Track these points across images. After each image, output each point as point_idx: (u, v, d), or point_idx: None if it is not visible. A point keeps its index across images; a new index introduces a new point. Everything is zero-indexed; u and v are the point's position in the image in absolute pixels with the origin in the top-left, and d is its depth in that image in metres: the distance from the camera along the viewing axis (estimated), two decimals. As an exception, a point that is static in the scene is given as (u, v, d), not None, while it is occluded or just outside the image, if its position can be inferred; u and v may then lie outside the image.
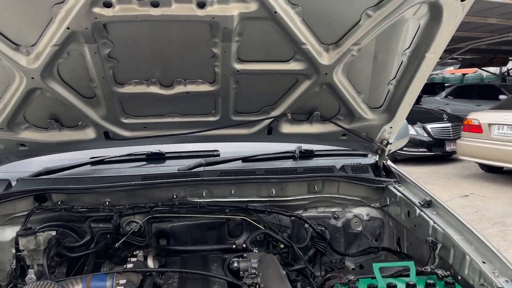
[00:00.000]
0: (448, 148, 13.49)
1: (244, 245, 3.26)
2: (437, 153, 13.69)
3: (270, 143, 3.47)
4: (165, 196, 3.17)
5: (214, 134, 3.16)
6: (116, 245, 3.10)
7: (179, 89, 2.83)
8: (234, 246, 3.28)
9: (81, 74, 2.65)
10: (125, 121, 3.03)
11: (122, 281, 2.57)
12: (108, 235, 3.11)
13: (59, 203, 3.05)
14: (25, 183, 3.11)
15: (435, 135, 13.44)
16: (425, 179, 11.53)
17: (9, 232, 3.09)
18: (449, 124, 13.82)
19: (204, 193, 3.20)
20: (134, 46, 2.55)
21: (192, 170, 3.24)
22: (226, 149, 3.54)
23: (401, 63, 2.80)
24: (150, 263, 2.90)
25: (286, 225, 3.40)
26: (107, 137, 3.10)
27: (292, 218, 3.31)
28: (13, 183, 3.15)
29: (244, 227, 3.38)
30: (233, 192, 3.22)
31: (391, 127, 3.23)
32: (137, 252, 2.98)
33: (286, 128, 3.24)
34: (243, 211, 3.25)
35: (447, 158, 14.12)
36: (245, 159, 3.49)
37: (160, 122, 3.07)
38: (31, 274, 2.68)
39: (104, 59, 2.55)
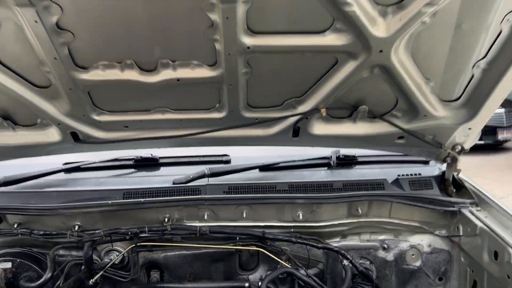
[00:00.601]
0: (501, 136, 12.08)
1: (260, 285, 2.43)
2: (488, 142, 12.33)
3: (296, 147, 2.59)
4: (154, 219, 2.37)
5: (220, 137, 2.31)
6: (91, 282, 2.34)
7: (166, 74, 2.00)
8: (247, 285, 2.46)
9: (25, 54, 1.86)
10: (98, 118, 2.22)
11: None
12: (83, 267, 2.34)
13: (15, 225, 2.31)
14: (-25, 197, 2.38)
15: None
16: (475, 171, 10.25)
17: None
18: (502, 110, 12.37)
19: (206, 216, 2.37)
20: (95, 12, 1.72)
21: (190, 184, 2.41)
22: (238, 153, 2.69)
23: (498, 34, 1.84)
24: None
25: (317, 257, 2.53)
26: (77, 139, 2.31)
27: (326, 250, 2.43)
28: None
29: (261, 257, 2.54)
30: (245, 214, 2.38)
31: (469, 128, 2.28)
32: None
33: (319, 128, 2.34)
34: (259, 240, 2.41)
35: (499, 147, 12.74)
36: (263, 168, 2.62)
37: (146, 119, 2.25)
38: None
39: (51, 32, 1.74)
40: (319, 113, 2.20)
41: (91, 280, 2.35)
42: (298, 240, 2.38)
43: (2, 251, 2.37)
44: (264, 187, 2.37)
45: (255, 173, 2.60)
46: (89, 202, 2.27)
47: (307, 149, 2.64)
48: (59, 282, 2.33)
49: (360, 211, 2.41)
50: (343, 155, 2.71)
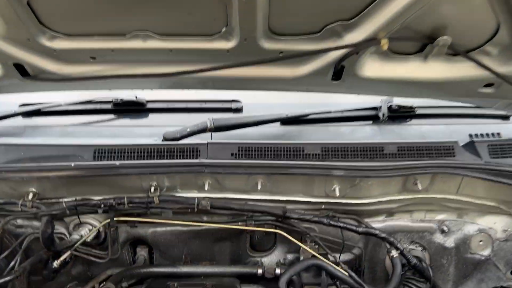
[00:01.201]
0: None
1: (277, 271, 1.85)
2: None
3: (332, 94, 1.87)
4: (136, 186, 1.74)
5: (227, 77, 1.60)
6: (55, 264, 1.78)
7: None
8: (260, 272, 1.87)
9: None
10: (51, 44, 1.51)
11: None
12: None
13: (-50, 189, 1.71)
14: None
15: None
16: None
17: None
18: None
19: (207, 185, 1.73)
20: None
21: (186, 142, 1.74)
22: (253, 98, 1.98)
23: None
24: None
25: (353, 240, 1.91)
26: (24, 74, 1.62)
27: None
28: None
29: (279, 236, 1.93)
30: (260, 186, 1.72)
31: None
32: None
33: (372, 68, 1.60)
34: (277, 220, 1.78)
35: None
36: (286, 121, 1.92)
37: (120, 48, 1.53)
38: None
39: None
40: (378, 45, 1.45)
41: (55, 262, 1.78)
42: (332, 222, 1.74)
43: None
44: (288, 150, 1.69)
45: (276, 127, 1.92)
46: (45, 164, 1.63)
47: (347, 97, 1.93)
48: (14, 261, 1.77)
49: (419, 185, 1.74)
50: (396, 106, 1.99)
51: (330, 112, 1.91)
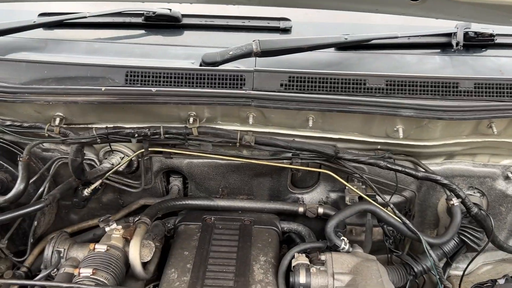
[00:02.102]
0: None
1: (319, 210, 1.74)
2: None
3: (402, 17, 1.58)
4: (174, 116, 1.56)
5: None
6: (86, 193, 1.68)
7: None
8: (301, 210, 1.76)
9: None
10: None
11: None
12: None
13: (-31, 110, 1.56)
14: None
15: None
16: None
17: None
18: None
19: (251, 118, 1.54)
20: None
21: (228, 67, 1.51)
22: (304, 17, 1.70)
23: None
24: (135, 252, 1.46)
25: (404, 182, 1.75)
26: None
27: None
28: None
29: (323, 173, 1.78)
30: (311, 123, 1.52)
31: None
32: (109, 225, 1.52)
33: (463, -14, 1.30)
34: (328, 160, 1.61)
35: None
36: (344, 46, 1.65)
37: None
38: None
39: None
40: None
41: (85, 190, 1.67)
42: (389, 166, 1.56)
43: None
44: (347, 82, 1.45)
45: (332, 53, 1.65)
46: (72, 87, 1.44)
47: (413, 20, 1.64)
48: (43, 188, 1.67)
49: (494, 129, 1.52)
50: (474, 32, 1.68)
51: (396, 37, 1.62)
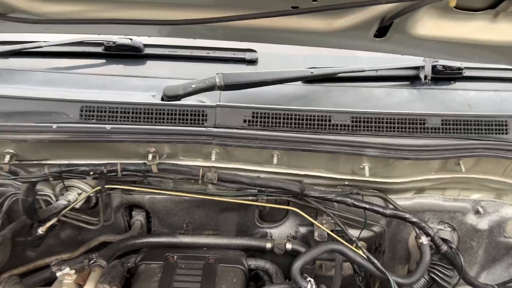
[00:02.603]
0: None
1: (288, 246, 1.68)
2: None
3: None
4: (131, 151, 1.49)
5: (245, 26, 1.27)
6: (41, 231, 1.58)
7: None
8: (269, 246, 1.70)
9: None
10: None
11: None
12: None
13: None
14: None
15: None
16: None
17: None
18: None
19: (214, 155, 1.48)
20: None
21: (190, 102, 1.45)
22: (270, 49, 1.65)
23: None
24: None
25: (374, 218, 1.70)
26: (-8, 12, 1.29)
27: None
28: None
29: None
30: (276, 160, 1.47)
31: None
32: (60, 269, 1.42)
33: (428, 25, 1.27)
34: (294, 196, 1.56)
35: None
36: (310, 79, 1.61)
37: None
38: None
39: None
40: (440, 1, 1.12)
41: (40, 228, 1.58)
42: (356, 203, 1.51)
43: None
44: (312, 118, 1.41)
45: (298, 86, 1.61)
46: (21, 124, 1.36)
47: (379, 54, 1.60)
48: (-5, 226, 1.57)
49: (462, 167, 1.49)
50: (442, 66, 1.66)
51: (363, 70, 1.59)
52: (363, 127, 1.41)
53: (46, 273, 1.74)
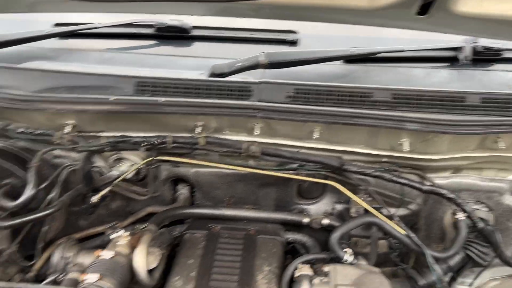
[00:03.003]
0: None
1: (324, 221, 1.74)
2: None
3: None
4: (180, 125, 1.59)
5: (288, 3, 1.34)
6: (93, 200, 1.70)
7: None
8: (306, 221, 1.76)
9: None
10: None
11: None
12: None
13: (-15, 115, 1.60)
14: None
15: None
16: None
17: None
18: None
19: (257, 129, 1.56)
20: None
21: (236, 78, 1.54)
22: (311, 30, 1.72)
23: None
24: (139, 260, 1.48)
25: (410, 195, 1.74)
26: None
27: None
28: None
29: (329, 185, 1.79)
30: (317, 135, 1.54)
31: None
32: (115, 232, 1.55)
33: (470, 2, 1.30)
34: (333, 171, 1.62)
35: None
36: (350, 59, 1.67)
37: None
38: None
39: None
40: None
41: (94, 197, 1.70)
42: (394, 179, 1.57)
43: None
44: (353, 94, 1.47)
45: (338, 65, 1.67)
46: (83, 96, 1.48)
47: (420, 34, 1.64)
48: (53, 194, 1.70)
49: (501, 144, 1.52)
50: (482, 46, 1.69)
51: (403, 50, 1.64)
52: (403, 103, 1.46)
53: (98, 240, 1.88)
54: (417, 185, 1.57)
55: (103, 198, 1.74)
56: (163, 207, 1.86)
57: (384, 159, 1.62)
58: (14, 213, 1.61)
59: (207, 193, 1.84)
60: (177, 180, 1.89)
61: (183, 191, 1.90)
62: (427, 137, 1.49)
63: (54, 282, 1.51)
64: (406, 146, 1.50)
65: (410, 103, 1.46)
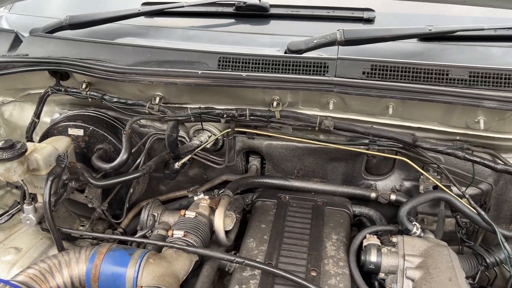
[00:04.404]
0: None
1: (392, 197, 1.80)
2: None
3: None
4: (258, 99, 1.69)
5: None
6: (177, 165, 1.86)
7: None
8: (374, 195, 1.83)
9: None
10: None
11: (156, 270, 1.38)
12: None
13: (83, 86, 1.79)
14: (37, 42, 1.84)
15: None
16: None
17: (30, 111, 2.02)
18: None
19: (331, 104, 1.63)
20: None
21: (313, 55, 1.61)
22: (389, 9, 1.74)
23: None
24: (220, 221, 1.62)
25: (481, 175, 1.76)
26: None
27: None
28: (25, 35, 1.89)
29: (398, 162, 1.84)
30: (391, 110, 1.58)
31: None
32: (197, 195, 1.70)
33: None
34: (404, 148, 1.66)
35: None
36: (427, 37, 1.69)
37: None
38: (28, 213, 1.62)
39: None
40: None
41: (176, 163, 1.86)
42: (467, 156, 1.58)
43: (74, 112, 1.92)
44: (429, 72, 1.49)
45: (413, 44, 1.69)
46: (173, 70, 1.61)
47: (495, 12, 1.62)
48: (139, 160, 1.87)
49: None
50: None
51: (482, 29, 1.63)
52: (481, 81, 1.47)
53: (176, 204, 2.05)
54: (491, 163, 1.58)
55: (184, 165, 1.89)
56: (236, 176, 1.99)
57: (457, 137, 1.64)
58: (105, 176, 1.81)
59: (278, 165, 1.95)
60: (249, 152, 2.01)
61: (254, 162, 2.03)
62: (504, 115, 1.49)
63: (144, 237, 1.69)
64: (481, 124, 1.52)
65: (488, 81, 1.47)
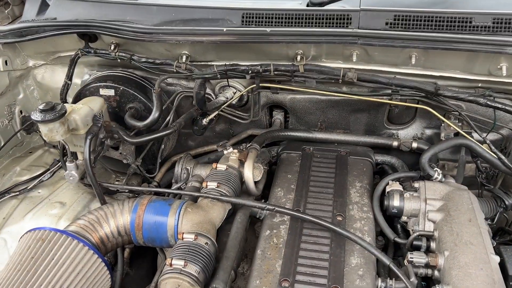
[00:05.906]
0: None
1: (413, 145, 1.86)
2: None
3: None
4: (282, 54, 1.73)
5: None
6: (204, 122, 1.94)
7: None
8: (396, 144, 1.90)
9: None
10: None
11: (194, 218, 1.49)
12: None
13: (112, 47, 1.85)
14: (63, 4, 1.89)
15: None
16: None
17: (61, 74, 2.11)
18: None
19: (354, 56, 1.66)
20: None
21: (335, 7, 1.63)
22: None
23: None
24: (249, 172, 1.72)
25: (502, 121, 1.80)
26: None
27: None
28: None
29: (419, 110, 1.89)
30: (414, 60, 1.61)
31: None
32: (226, 149, 1.79)
33: None
34: (426, 97, 1.70)
35: None
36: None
37: None
38: (70, 170, 1.73)
39: None
40: None
41: (204, 120, 1.94)
42: (489, 103, 1.62)
43: (104, 73, 2.00)
44: (453, 20, 1.50)
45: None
46: (199, 28, 1.66)
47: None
48: (169, 117, 1.96)
49: None
50: None
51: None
52: (504, 28, 1.48)
53: (205, 159, 2.15)
54: (512, 109, 1.62)
55: (211, 121, 1.97)
56: (261, 130, 2.07)
57: (479, 84, 1.67)
58: (137, 133, 1.90)
59: (301, 118, 2.01)
60: (272, 107, 2.08)
61: (278, 116, 2.10)
62: (526, 60, 1.51)
63: (179, 189, 1.80)
64: (504, 70, 1.54)
65: (511, 27, 1.48)
